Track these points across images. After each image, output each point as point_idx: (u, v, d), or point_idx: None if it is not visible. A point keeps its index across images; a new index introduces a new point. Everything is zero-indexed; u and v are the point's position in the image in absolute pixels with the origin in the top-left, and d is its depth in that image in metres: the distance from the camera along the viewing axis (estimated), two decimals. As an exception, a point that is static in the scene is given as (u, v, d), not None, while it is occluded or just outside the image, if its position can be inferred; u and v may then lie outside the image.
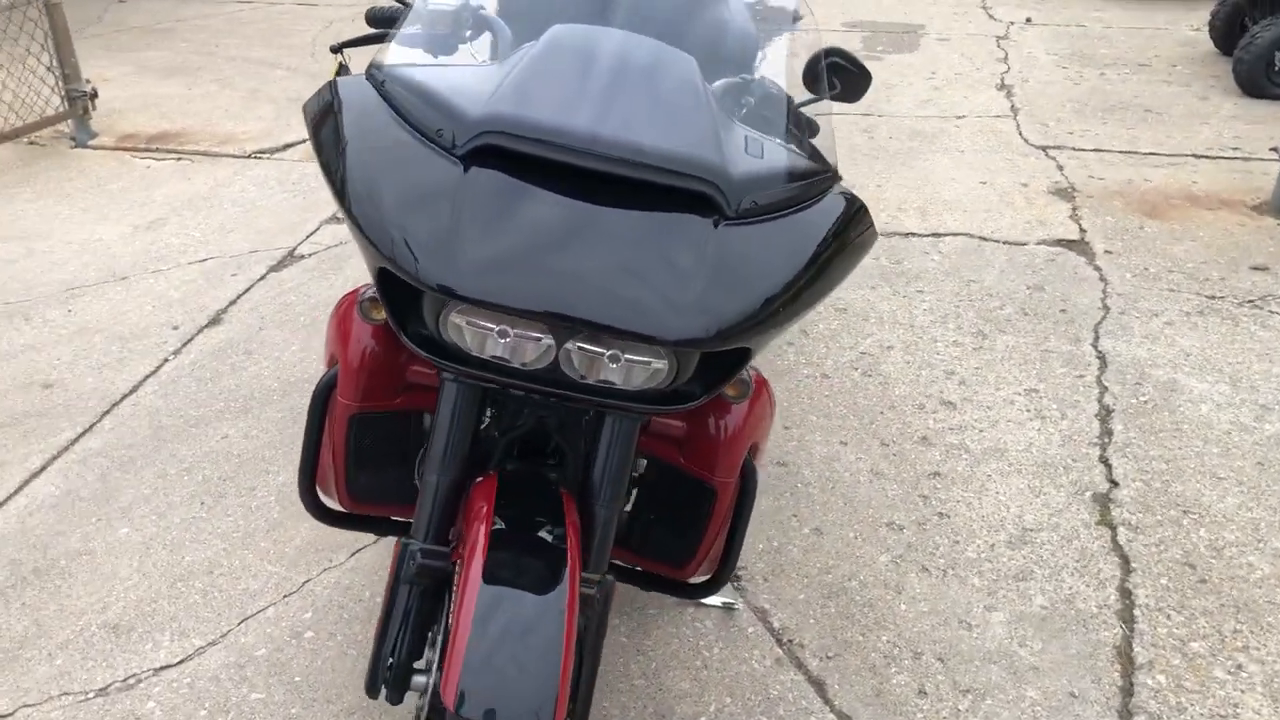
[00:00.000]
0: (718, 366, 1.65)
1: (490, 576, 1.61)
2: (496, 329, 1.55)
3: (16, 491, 2.86)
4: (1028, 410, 3.21)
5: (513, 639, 1.55)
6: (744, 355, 1.63)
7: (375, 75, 1.67)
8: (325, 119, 1.65)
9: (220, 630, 2.41)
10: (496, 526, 1.68)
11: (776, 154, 1.66)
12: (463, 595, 1.59)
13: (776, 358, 3.46)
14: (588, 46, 1.63)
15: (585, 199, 1.51)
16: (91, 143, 5.37)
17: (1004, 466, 2.96)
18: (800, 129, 1.99)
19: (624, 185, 1.53)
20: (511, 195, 1.50)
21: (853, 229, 1.72)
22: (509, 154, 1.51)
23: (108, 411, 3.21)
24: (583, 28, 1.67)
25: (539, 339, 1.55)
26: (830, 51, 2.06)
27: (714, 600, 2.47)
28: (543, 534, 1.70)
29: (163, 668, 2.31)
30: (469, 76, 1.64)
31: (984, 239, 4.34)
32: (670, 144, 1.53)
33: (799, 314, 1.63)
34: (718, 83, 1.93)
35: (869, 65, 2.22)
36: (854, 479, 2.91)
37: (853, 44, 7.16)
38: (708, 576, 2.12)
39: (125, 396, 3.28)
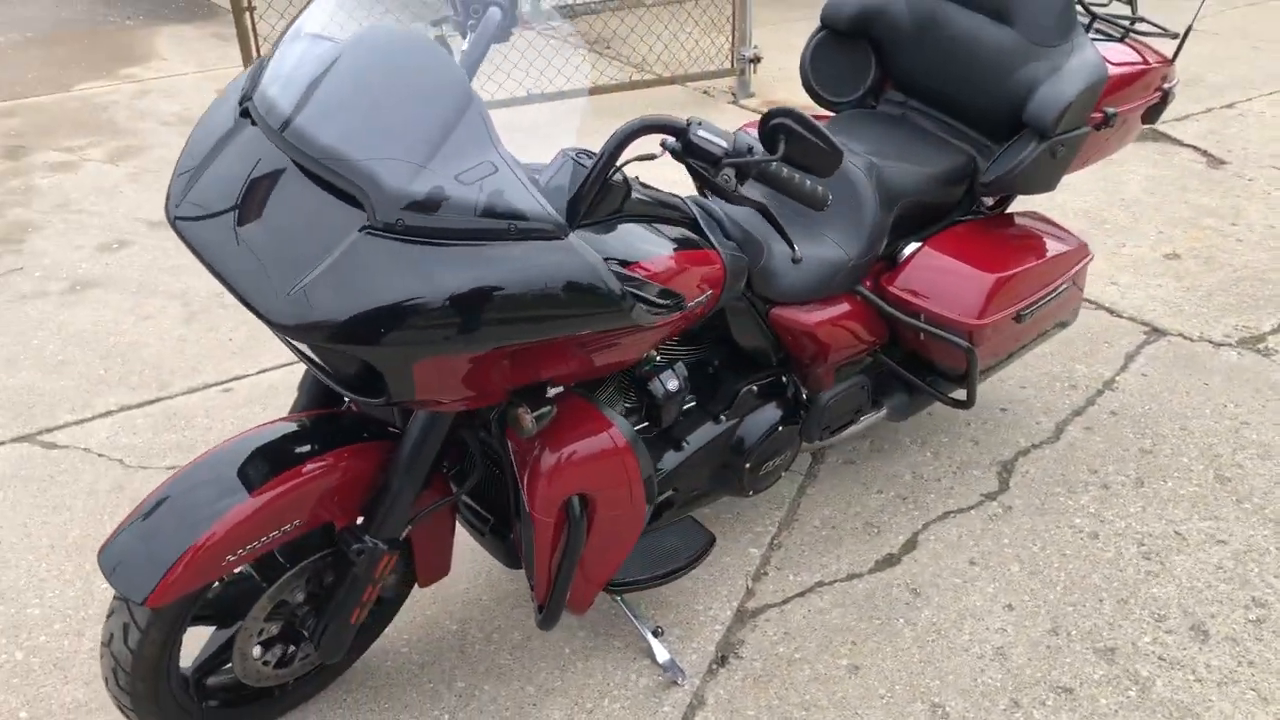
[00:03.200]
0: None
1: (215, 457, 1.89)
2: None
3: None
4: (1303, 693, 2.26)
5: (174, 513, 1.81)
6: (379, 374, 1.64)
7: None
8: None
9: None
10: (284, 431, 1.95)
11: (491, 187, 1.57)
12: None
13: (1063, 495, 2.85)
14: (370, 47, 1.71)
15: (286, 173, 1.64)
16: (744, 101, 6.03)
17: (1161, 730, 2.18)
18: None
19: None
20: (242, 153, 1.70)
21: (553, 289, 1.60)
22: None
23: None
24: (390, 32, 1.74)
25: None
26: (781, 112, 1.75)
27: (665, 659, 2.32)
28: (311, 462, 1.90)
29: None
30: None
31: None
32: (347, 145, 1.58)
33: (427, 348, 1.58)
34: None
35: None
36: (966, 646, 2.39)
37: None
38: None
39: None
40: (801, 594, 2.55)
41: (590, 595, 2.13)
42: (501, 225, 1.57)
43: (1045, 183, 2.65)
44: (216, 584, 2.03)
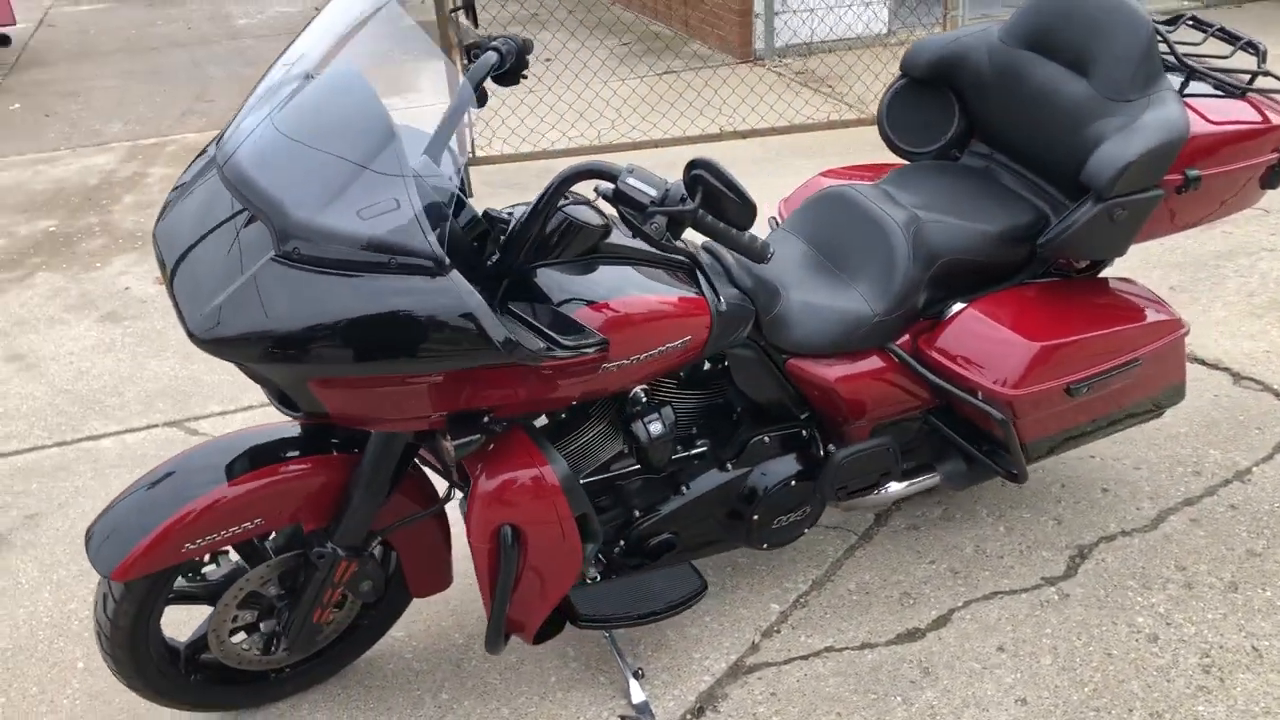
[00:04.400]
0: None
1: (203, 450, 2.09)
2: None
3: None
4: None
5: (146, 498, 2.02)
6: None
7: None
8: None
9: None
10: (275, 433, 2.15)
11: (385, 222, 1.67)
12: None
13: (1135, 590, 2.58)
14: (319, 87, 1.85)
15: (232, 201, 1.82)
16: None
17: None
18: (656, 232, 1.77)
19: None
20: (205, 182, 1.89)
21: (423, 323, 1.68)
22: None
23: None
24: (334, 73, 1.87)
25: None
26: (700, 162, 1.73)
27: (639, 701, 2.31)
28: (285, 466, 2.07)
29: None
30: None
31: None
32: (264, 179, 1.73)
33: (310, 367, 1.71)
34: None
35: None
36: (960, 735, 2.23)
37: None
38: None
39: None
40: (805, 657, 2.47)
41: (534, 624, 2.17)
42: (383, 259, 1.67)
43: (1107, 248, 2.44)
44: (214, 566, 2.23)
